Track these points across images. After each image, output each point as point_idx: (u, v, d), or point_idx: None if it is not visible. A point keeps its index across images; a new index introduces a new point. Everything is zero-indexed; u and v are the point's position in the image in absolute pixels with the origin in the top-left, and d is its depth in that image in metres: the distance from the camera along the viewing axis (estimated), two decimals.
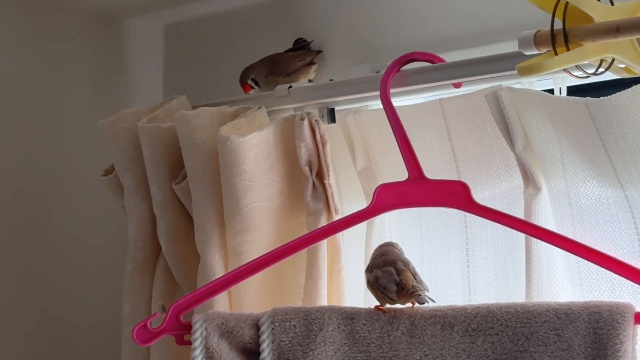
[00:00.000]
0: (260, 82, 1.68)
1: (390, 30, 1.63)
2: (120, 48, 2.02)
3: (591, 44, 1.06)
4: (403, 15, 1.61)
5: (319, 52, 1.71)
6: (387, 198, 1.30)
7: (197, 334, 1.29)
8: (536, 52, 1.11)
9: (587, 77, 1.12)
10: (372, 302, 1.30)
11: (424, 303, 1.24)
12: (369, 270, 1.30)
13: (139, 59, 2.04)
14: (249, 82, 1.69)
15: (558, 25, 1.08)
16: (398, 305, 1.28)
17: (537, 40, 1.09)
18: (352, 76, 1.65)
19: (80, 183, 1.92)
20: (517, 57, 1.20)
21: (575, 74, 1.12)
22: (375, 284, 1.28)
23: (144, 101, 1.97)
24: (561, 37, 1.06)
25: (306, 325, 1.27)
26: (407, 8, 1.60)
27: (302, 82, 1.63)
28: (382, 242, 1.35)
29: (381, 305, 1.28)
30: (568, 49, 1.06)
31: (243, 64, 1.73)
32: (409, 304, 1.27)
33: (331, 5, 1.72)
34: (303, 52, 1.71)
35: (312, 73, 1.69)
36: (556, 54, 1.08)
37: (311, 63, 1.69)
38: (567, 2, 1.06)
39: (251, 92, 1.68)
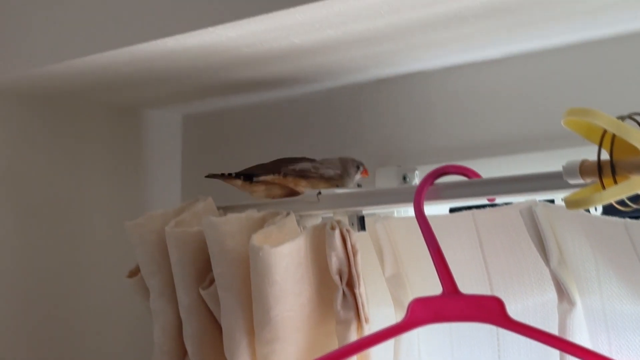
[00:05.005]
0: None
1: (416, 133, 1.63)
2: (138, 137, 2.01)
3: (638, 177, 1.06)
4: (430, 118, 1.61)
5: None
6: (422, 313, 1.28)
7: None
8: (581, 181, 1.12)
9: (631, 209, 1.12)
10: None
11: None
12: None
13: (157, 148, 2.04)
14: None
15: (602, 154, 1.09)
16: None
17: (583, 170, 1.09)
18: (377, 177, 1.65)
19: (100, 280, 1.91)
20: (553, 177, 1.20)
21: (618, 202, 1.12)
22: None
23: (163, 191, 1.97)
24: (608, 169, 1.07)
25: None
26: (434, 112, 1.60)
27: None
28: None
29: None
30: (615, 181, 1.07)
31: (261, 157, 1.73)
32: None
33: (355, 105, 1.72)
34: None
35: None
36: (602, 184, 1.08)
37: None
38: (614, 135, 1.07)
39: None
